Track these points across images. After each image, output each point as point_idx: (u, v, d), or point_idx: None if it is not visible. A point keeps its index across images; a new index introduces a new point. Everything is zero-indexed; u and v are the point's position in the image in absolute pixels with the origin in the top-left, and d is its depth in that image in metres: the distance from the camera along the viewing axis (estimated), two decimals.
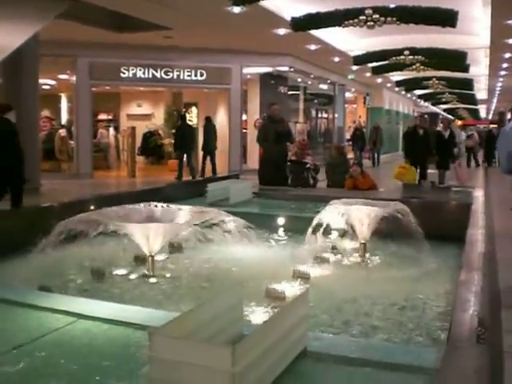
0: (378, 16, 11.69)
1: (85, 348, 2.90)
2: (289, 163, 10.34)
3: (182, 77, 17.89)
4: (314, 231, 5.48)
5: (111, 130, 22.31)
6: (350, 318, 3.84)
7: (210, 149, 16.97)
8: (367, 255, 5.55)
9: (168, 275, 4.73)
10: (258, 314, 3.82)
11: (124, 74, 17.48)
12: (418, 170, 12.09)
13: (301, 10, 12.27)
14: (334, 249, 5.75)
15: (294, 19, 12.38)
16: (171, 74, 17.77)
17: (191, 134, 16.86)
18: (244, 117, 19.60)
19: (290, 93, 20.77)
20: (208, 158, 16.98)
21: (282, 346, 2.55)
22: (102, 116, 23.49)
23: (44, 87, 18.21)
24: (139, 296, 4.20)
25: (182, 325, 2.35)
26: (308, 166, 10.41)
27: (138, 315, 3.27)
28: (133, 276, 4.70)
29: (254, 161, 17.66)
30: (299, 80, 22.03)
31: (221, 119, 19.48)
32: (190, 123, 18.89)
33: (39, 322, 3.27)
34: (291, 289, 4.43)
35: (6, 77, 13.07)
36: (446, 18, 11.56)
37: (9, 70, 12.74)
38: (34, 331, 3.11)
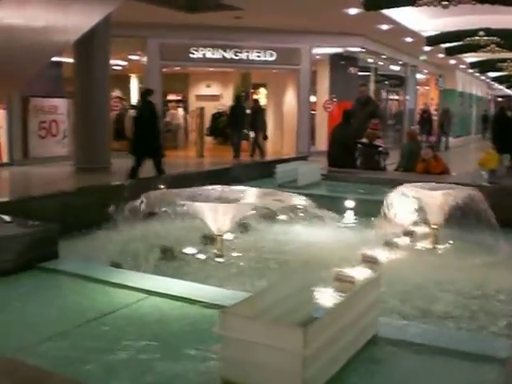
0: None
1: (155, 324, 2.94)
2: (360, 145, 10.18)
3: (251, 57, 17.88)
4: (384, 215, 5.38)
5: (180, 110, 22.54)
6: (420, 304, 3.75)
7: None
8: (439, 241, 5.40)
9: (236, 255, 4.74)
10: (326, 297, 3.78)
11: (194, 54, 17.60)
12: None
13: None
14: (404, 234, 5.62)
15: None
16: (240, 55, 17.78)
17: (243, 116, 16.87)
18: (313, 98, 19.43)
19: (361, 74, 20.44)
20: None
21: (353, 330, 2.51)
22: (171, 97, 23.77)
23: (115, 68, 18.54)
24: (208, 275, 4.22)
25: (252, 305, 2.34)
26: (380, 149, 10.22)
27: (207, 293, 3.29)
28: (202, 255, 4.72)
29: (322, 142, 17.52)
30: (370, 61, 21.66)
31: (289, 100, 19.39)
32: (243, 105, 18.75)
33: (110, 297, 3.33)
34: (360, 273, 4.36)
35: (79, 57, 13.38)
36: None
37: (81, 50, 13.03)
38: (106, 306, 3.17)
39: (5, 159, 15.10)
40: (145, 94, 11.00)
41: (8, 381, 1.85)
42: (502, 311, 3.66)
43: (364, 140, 10.22)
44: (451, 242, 5.45)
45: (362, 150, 10.14)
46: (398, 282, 4.17)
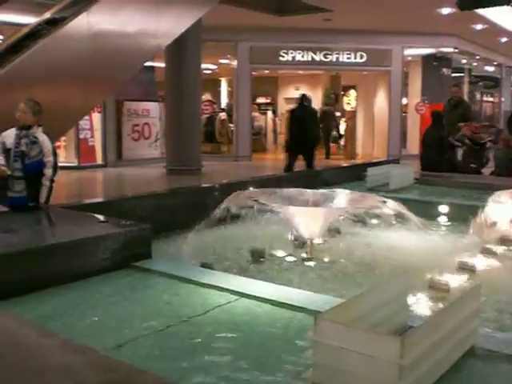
0: None
1: (246, 326, 2.93)
2: (465, 147, 9.90)
3: (341, 59, 17.72)
4: (480, 221, 5.17)
5: (269, 113, 22.62)
6: None
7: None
8: None
9: (327, 259, 4.67)
10: (421, 305, 3.66)
11: (283, 57, 17.63)
12: None
13: None
14: (501, 241, 5.38)
15: None
16: (330, 57, 17.65)
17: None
18: (404, 100, 19.04)
19: (454, 75, 19.83)
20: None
21: (451, 341, 2.41)
22: (260, 99, 23.91)
23: (205, 72, 18.84)
24: (298, 278, 4.18)
25: (347, 311, 2.28)
26: (488, 145, 9.91)
27: (298, 297, 3.25)
28: (291, 258, 4.69)
29: (413, 145, 17.14)
30: (463, 62, 20.99)
31: (380, 102, 19.09)
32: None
33: (202, 298, 3.35)
34: (455, 281, 4.20)
35: (171, 61, 13.67)
36: None
37: (173, 54, 13.30)
38: (198, 307, 3.19)
39: (99, 161, 15.64)
40: (301, 98, 12.23)
41: (102, 378, 1.88)
42: None
43: (467, 141, 9.91)
44: None
45: (468, 151, 9.84)
46: (496, 291, 3.98)
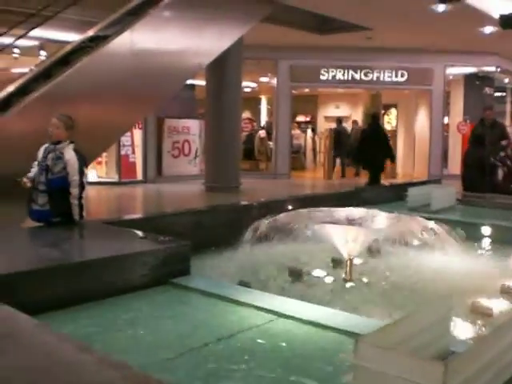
0: None
1: (284, 347, 2.89)
2: (505, 168, 9.75)
3: (381, 78, 17.61)
4: None
5: (309, 131, 22.61)
6: None
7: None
8: None
9: (366, 280, 4.60)
10: (463, 330, 3.56)
11: (323, 75, 17.61)
12: None
13: (510, 7, 11.50)
14: None
15: (502, 17, 11.64)
16: (371, 75, 17.57)
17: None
18: (445, 119, 18.81)
19: (497, 94, 19.54)
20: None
21: (494, 367, 2.32)
22: (300, 118, 23.93)
23: (245, 89, 18.95)
24: (337, 299, 4.12)
25: (388, 334, 2.22)
26: None
27: (337, 319, 3.20)
28: (330, 279, 4.63)
29: (455, 165, 16.89)
30: (506, 81, 20.66)
31: (421, 121, 18.90)
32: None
33: (240, 316, 3.33)
34: (499, 305, 4.09)
35: (211, 79, 13.77)
36: None
37: (214, 72, 13.41)
38: (236, 326, 3.17)
39: (139, 177, 15.81)
40: (374, 117, 13.64)
41: None
42: None
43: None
44: None
45: (508, 167, 9.69)
46: None
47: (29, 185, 4.84)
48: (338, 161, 18.71)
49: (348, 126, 20.13)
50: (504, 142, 10.11)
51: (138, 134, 15.71)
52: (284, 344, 2.92)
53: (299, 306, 3.45)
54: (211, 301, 3.61)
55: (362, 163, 13.75)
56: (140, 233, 4.48)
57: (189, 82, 14.18)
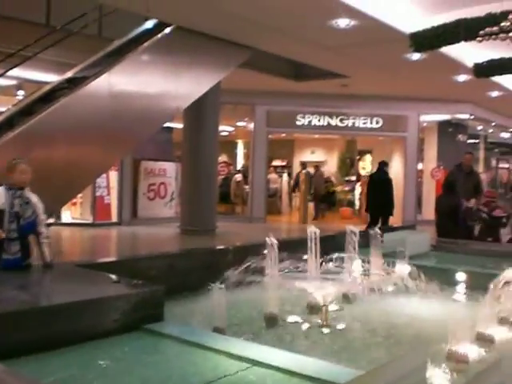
0: None
1: None
2: (482, 214, 9.86)
3: (357, 124, 17.88)
4: (498, 290, 5.05)
5: (285, 175, 22.75)
6: None
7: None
8: None
9: (341, 327, 4.57)
10: (439, 378, 3.53)
11: (300, 121, 17.83)
12: None
13: (483, 56, 11.79)
14: None
15: (476, 65, 11.91)
16: (346, 122, 17.83)
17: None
18: (420, 165, 19.08)
19: (470, 141, 19.92)
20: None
21: None
22: (276, 162, 24.09)
23: (222, 133, 19.08)
24: (311, 346, 4.07)
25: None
26: (504, 220, 9.83)
27: (313, 367, 3.14)
28: (305, 325, 4.59)
29: (429, 211, 17.06)
30: (479, 128, 21.10)
31: (395, 167, 19.16)
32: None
33: (215, 364, 3.26)
34: (474, 352, 4.07)
35: (189, 123, 13.84)
36: None
37: (191, 116, 13.49)
38: (210, 374, 3.10)
39: (114, 219, 15.69)
40: (381, 164, 14.12)
41: None
42: None
43: (484, 208, 9.88)
44: None
45: (484, 221, 9.79)
46: None
47: (3, 235, 4.74)
48: (311, 204, 18.90)
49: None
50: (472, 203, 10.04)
51: (113, 175, 15.65)
52: None
53: (275, 354, 3.39)
54: (185, 348, 3.53)
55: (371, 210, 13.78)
56: (113, 276, 4.41)
57: (166, 124, 14.25)
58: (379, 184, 13.57)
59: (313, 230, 4.95)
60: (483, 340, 4.38)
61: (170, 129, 17.24)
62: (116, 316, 3.75)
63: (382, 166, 14.11)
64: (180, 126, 14.70)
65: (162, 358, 3.41)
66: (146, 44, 9.73)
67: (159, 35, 10.02)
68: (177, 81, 10.15)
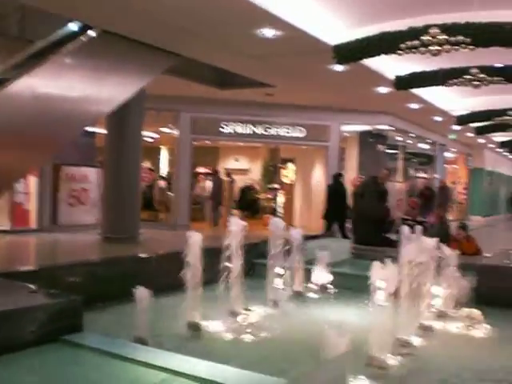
0: (484, 75, 11.35)
1: None
2: (407, 221, 10.15)
3: (280, 133, 18.05)
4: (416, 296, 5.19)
5: (207, 182, 22.66)
6: None
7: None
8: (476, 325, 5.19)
9: (264, 335, 4.58)
10: None
11: (224, 129, 17.83)
12: None
13: (404, 69, 12.15)
14: (438, 316, 5.44)
15: (397, 78, 12.25)
16: (270, 131, 17.97)
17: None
18: None
19: (389, 151, 20.49)
20: None
21: None
22: (201, 169, 23.99)
23: (146, 139, 18.84)
24: (234, 355, 4.06)
25: None
26: (426, 224, 10.15)
27: (234, 376, 3.15)
28: (228, 333, 4.58)
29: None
30: (398, 139, 21.73)
31: (317, 176, 19.48)
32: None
33: (134, 376, 3.21)
34: (393, 358, 4.17)
35: (111, 128, 13.58)
36: None
37: (114, 121, 13.24)
38: None
39: (33, 225, 15.21)
40: (337, 176, 15.07)
41: None
42: None
43: (406, 216, 10.19)
44: (490, 323, 5.22)
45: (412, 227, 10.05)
46: (433, 368, 3.99)
47: None
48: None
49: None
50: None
51: (33, 180, 15.17)
52: None
53: (195, 364, 3.36)
54: (104, 359, 3.45)
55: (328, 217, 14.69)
56: (30, 286, 4.27)
57: (89, 129, 13.96)
58: (334, 194, 14.52)
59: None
60: (403, 345, 4.50)
61: (92, 134, 16.84)
62: (33, 327, 3.63)
63: (338, 178, 15.08)
64: (103, 130, 14.40)
65: (80, 370, 3.32)
66: (69, 46, 9.50)
67: (83, 38, 9.82)
68: (100, 85, 9.95)
